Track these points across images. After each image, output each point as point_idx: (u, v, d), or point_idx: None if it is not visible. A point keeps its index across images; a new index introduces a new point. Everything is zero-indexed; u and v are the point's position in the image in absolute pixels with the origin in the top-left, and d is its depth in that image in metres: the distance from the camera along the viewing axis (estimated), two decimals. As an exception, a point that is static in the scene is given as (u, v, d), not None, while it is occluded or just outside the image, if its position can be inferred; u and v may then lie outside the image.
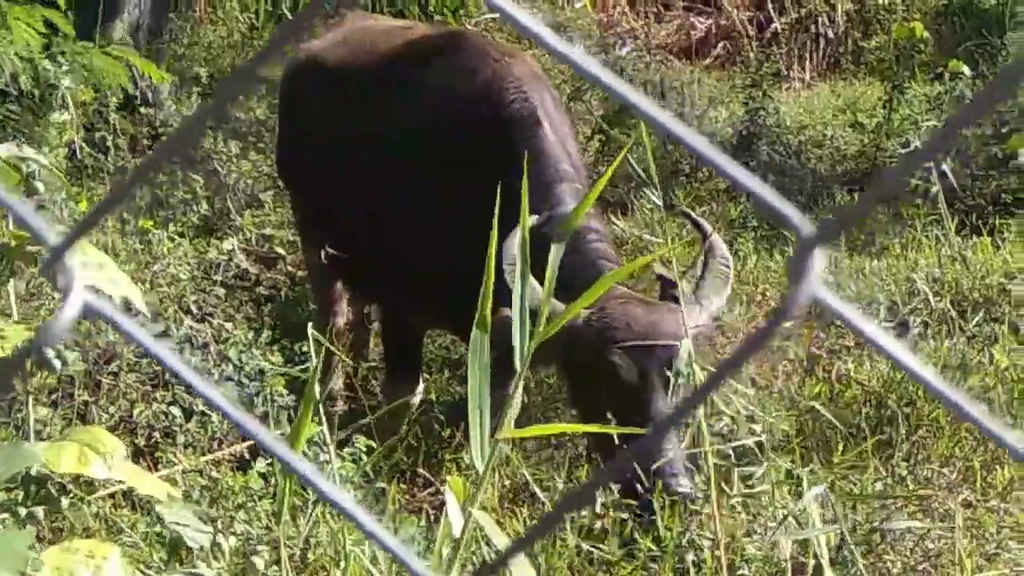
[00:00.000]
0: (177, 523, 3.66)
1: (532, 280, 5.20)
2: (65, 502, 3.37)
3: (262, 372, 6.34)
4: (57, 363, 3.35)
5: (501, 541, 3.62)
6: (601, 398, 5.17)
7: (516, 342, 3.68)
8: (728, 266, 5.76)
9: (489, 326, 3.72)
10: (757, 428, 5.07)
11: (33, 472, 3.29)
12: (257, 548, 4.15)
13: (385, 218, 6.27)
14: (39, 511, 3.27)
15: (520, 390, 3.64)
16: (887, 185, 1.49)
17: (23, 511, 3.25)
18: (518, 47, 6.88)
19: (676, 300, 5.42)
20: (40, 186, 3.85)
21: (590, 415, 5.24)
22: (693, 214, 6.50)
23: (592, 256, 5.71)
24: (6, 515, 3.29)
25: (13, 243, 3.43)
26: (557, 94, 6.57)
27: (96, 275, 3.14)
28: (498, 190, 4.35)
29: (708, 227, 5.94)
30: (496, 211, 4.27)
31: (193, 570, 3.69)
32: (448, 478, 3.65)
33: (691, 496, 4.94)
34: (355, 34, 7.15)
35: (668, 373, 5.15)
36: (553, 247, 3.97)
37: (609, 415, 4.96)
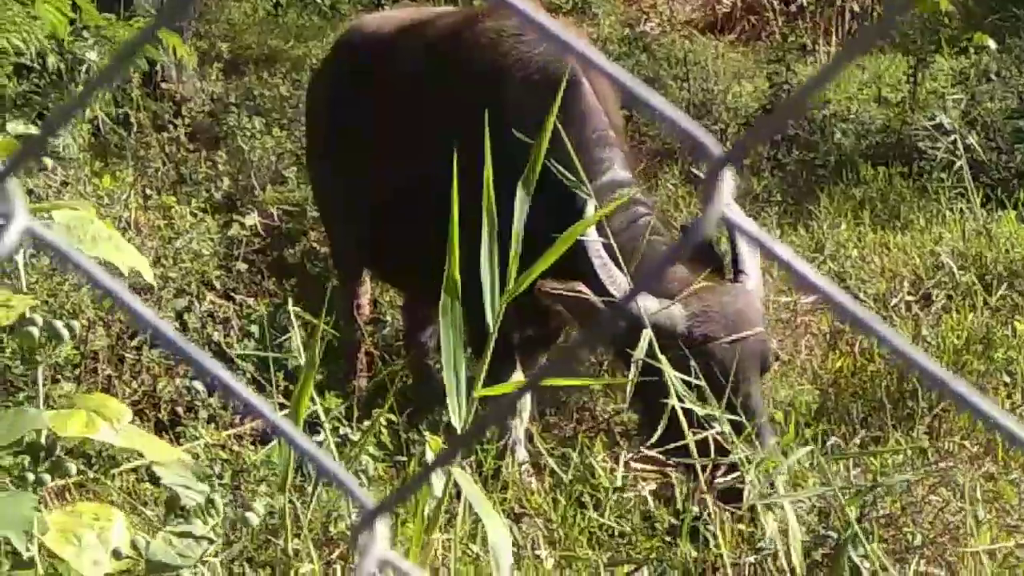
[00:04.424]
0: (174, 482, 3.71)
1: (618, 272, 5.23)
2: (73, 468, 3.40)
3: (282, 347, 6.37)
4: (65, 332, 3.37)
5: (479, 502, 3.64)
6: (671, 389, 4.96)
7: (487, 302, 3.70)
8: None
9: (459, 290, 3.76)
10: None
11: (43, 440, 3.33)
12: (254, 506, 4.18)
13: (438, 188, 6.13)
14: (47, 477, 3.30)
15: (491, 351, 3.67)
16: (785, 115, 1.53)
17: (31, 477, 3.27)
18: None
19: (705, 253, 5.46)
20: (48, 162, 3.88)
21: (657, 408, 5.07)
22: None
23: (644, 231, 5.62)
24: (15, 480, 3.32)
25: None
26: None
27: (104, 246, 3.16)
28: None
29: None
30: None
31: (187, 526, 3.73)
32: (428, 438, 3.69)
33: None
34: (403, 17, 7.07)
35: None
36: (516, 204, 3.96)
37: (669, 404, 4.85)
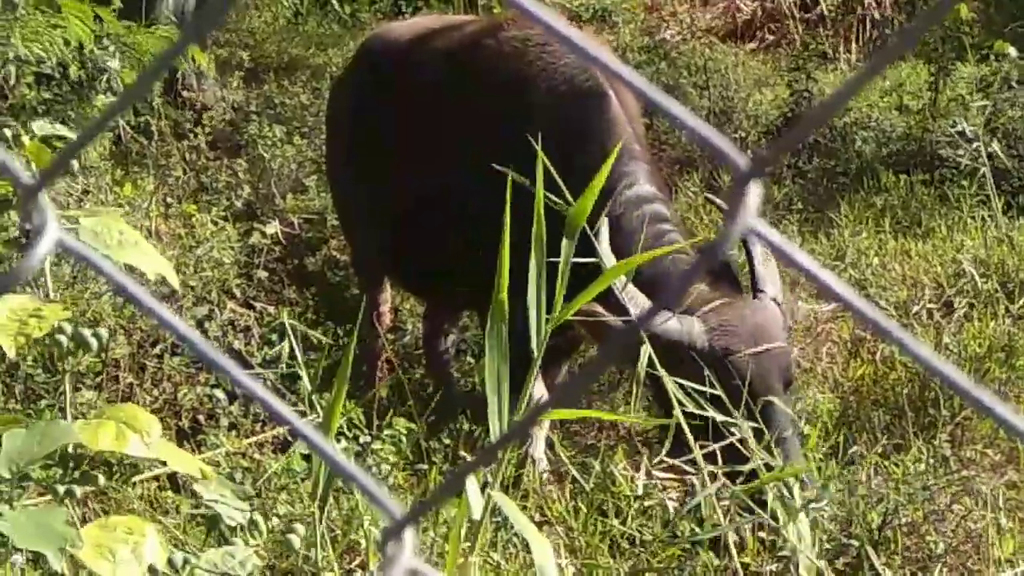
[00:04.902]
0: (214, 501, 3.69)
1: (638, 293, 5.22)
2: (103, 480, 3.39)
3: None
4: (94, 342, 3.37)
5: (520, 521, 3.63)
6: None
7: (532, 327, 3.68)
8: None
9: (506, 313, 3.74)
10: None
11: (71, 450, 3.32)
12: (296, 527, 4.15)
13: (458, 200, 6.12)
14: (77, 489, 3.29)
15: (536, 373, 3.65)
16: (811, 124, 1.51)
17: (61, 489, 3.26)
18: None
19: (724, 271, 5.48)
20: (75, 164, 3.89)
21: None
22: (717, 200, 6.63)
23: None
24: (46, 493, 3.31)
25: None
26: None
27: (131, 251, 3.17)
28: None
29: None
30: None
31: (230, 547, 3.70)
32: (465, 456, 3.68)
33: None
34: (425, 25, 7.09)
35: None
36: (564, 243, 3.95)
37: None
